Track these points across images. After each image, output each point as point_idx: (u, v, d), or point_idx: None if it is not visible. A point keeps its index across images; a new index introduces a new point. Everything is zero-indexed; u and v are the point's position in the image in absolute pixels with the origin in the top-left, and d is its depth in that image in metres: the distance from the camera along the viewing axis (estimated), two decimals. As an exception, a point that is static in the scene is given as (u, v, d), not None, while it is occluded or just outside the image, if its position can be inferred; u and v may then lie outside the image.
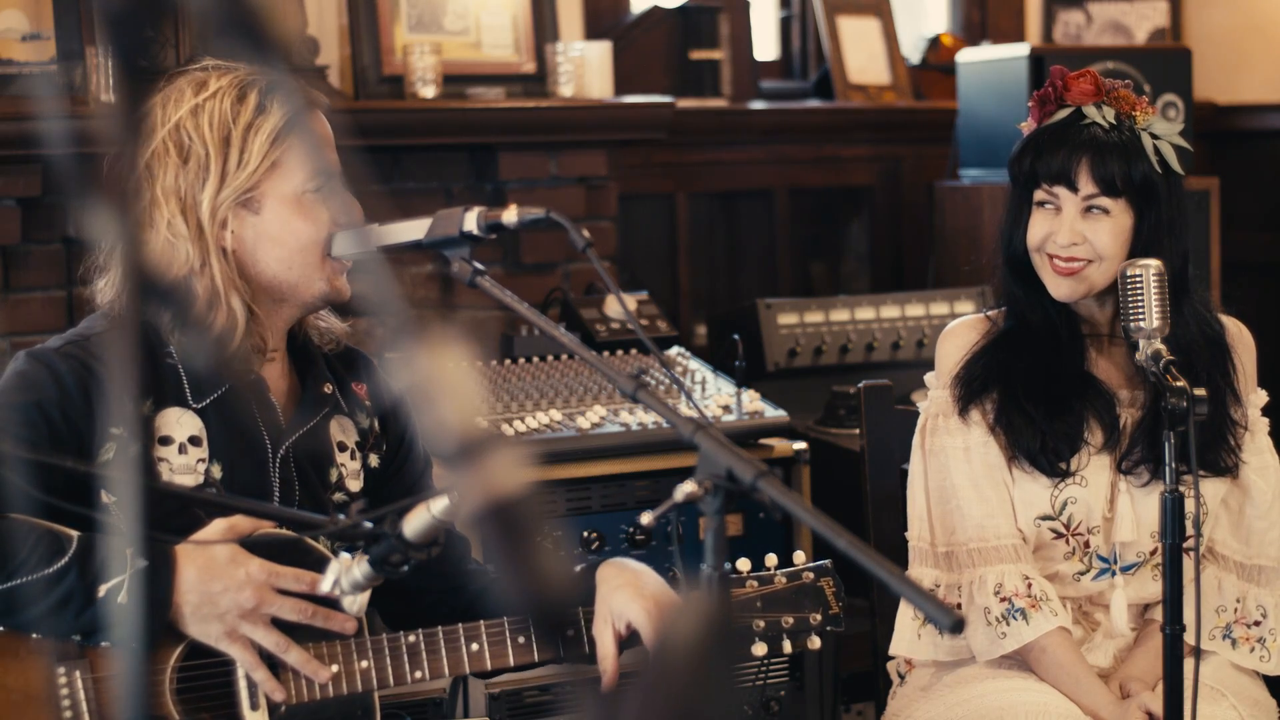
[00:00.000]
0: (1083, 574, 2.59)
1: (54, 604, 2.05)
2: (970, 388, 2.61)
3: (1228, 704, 2.52)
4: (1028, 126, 2.63)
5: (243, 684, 2.14)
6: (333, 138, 2.22)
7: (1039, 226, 2.57)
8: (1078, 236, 2.54)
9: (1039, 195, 2.58)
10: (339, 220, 2.23)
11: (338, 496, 2.35)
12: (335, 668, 2.16)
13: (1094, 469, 2.57)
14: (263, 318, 2.27)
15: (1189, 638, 2.37)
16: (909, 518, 2.66)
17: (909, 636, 2.64)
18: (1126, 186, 2.53)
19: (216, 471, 2.25)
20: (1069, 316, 2.61)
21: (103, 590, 2.05)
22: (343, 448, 2.37)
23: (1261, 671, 2.63)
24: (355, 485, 2.38)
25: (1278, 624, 2.62)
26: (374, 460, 2.42)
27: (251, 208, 2.22)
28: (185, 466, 2.23)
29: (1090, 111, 2.56)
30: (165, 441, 2.22)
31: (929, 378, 2.70)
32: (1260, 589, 2.63)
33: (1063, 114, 2.58)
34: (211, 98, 2.20)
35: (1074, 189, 2.54)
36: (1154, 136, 2.56)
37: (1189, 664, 2.34)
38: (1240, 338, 2.66)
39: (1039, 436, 2.55)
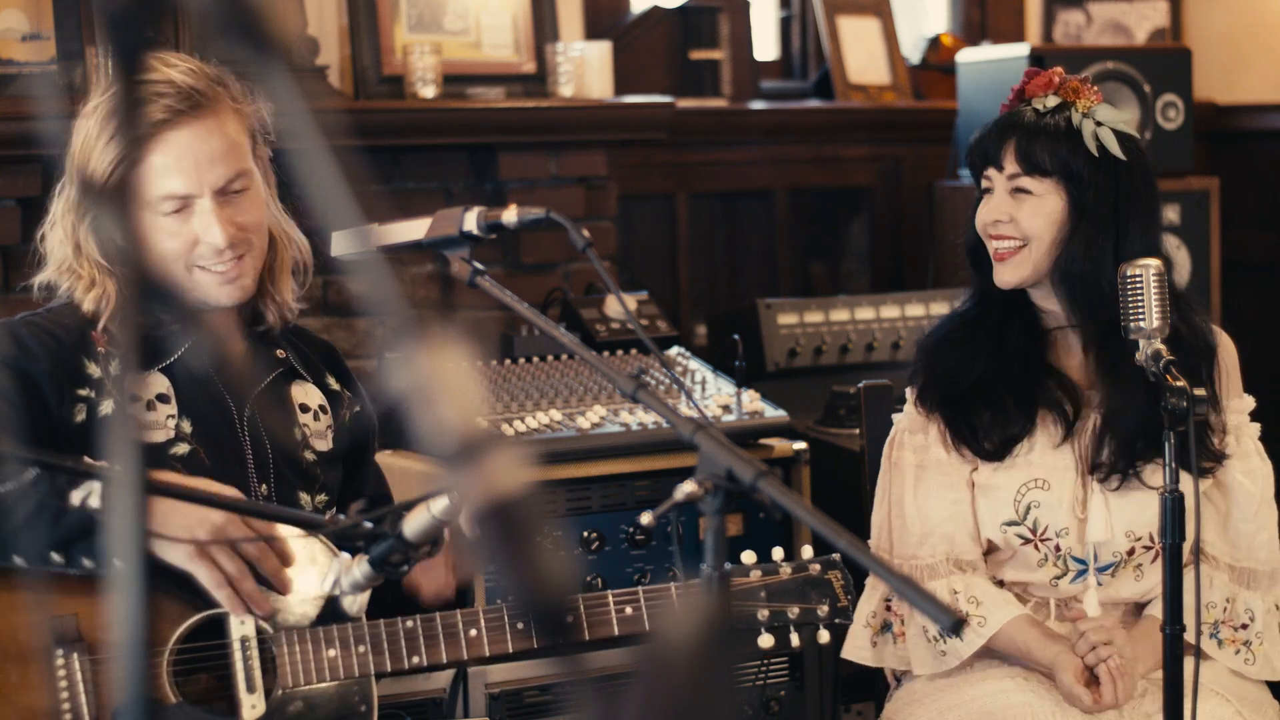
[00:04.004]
0: (1059, 578, 2.60)
1: (29, 514, 2.08)
2: (930, 373, 2.65)
3: (1231, 710, 2.53)
4: None
5: (239, 666, 2.15)
6: (216, 150, 2.27)
7: (981, 212, 2.62)
8: (1003, 214, 2.57)
9: (984, 182, 2.62)
10: (199, 238, 2.29)
11: (307, 454, 2.42)
12: (333, 652, 2.17)
13: (1056, 470, 2.58)
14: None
15: (1189, 637, 2.37)
16: (871, 526, 2.70)
17: (861, 643, 2.67)
18: (1054, 167, 2.55)
19: (186, 426, 2.31)
20: (1022, 308, 2.63)
21: (75, 498, 2.09)
22: (305, 409, 2.45)
23: (1245, 675, 2.63)
24: (323, 445, 2.44)
25: (1265, 628, 2.62)
26: (347, 418, 2.50)
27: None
28: (155, 423, 2.29)
29: (1035, 101, 2.60)
30: (134, 400, 2.25)
31: (908, 390, 2.72)
32: (1250, 592, 2.63)
33: (1024, 108, 2.62)
34: (98, 106, 2.29)
35: (1000, 168, 2.58)
36: (1096, 123, 2.56)
37: (1189, 664, 2.35)
38: (1224, 344, 2.67)
39: (965, 424, 2.60)
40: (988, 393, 2.59)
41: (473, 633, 2.22)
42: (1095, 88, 2.62)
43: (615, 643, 2.28)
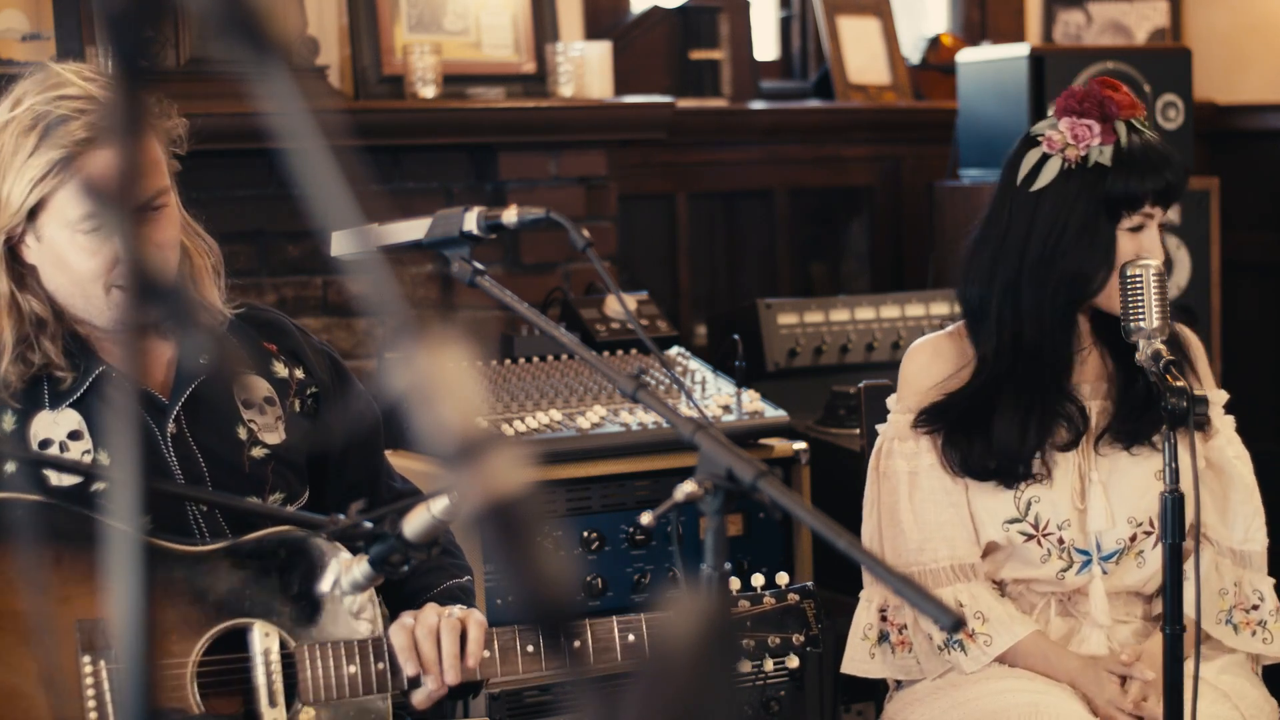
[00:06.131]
0: (1064, 571, 2.60)
1: None
2: (942, 419, 2.62)
3: (1229, 705, 2.53)
4: (1085, 143, 2.55)
5: (262, 680, 2.15)
6: (145, 164, 2.18)
7: (1129, 246, 2.55)
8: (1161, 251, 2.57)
9: (1133, 220, 2.54)
10: (124, 257, 2.21)
11: (256, 451, 2.35)
12: (353, 668, 2.17)
13: (1058, 466, 2.60)
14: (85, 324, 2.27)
15: (1190, 634, 2.39)
16: (862, 537, 2.68)
17: (860, 656, 2.67)
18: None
19: (104, 459, 2.23)
20: (1059, 342, 2.62)
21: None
22: (248, 404, 2.38)
23: (1266, 655, 2.66)
24: (273, 438, 2.37)
25: (1275, 605, 2.65)
26: (297, 405, 2.42)
27: (35, 233, 2.21)
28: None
29: (1140, 125, 2.57)
30: (45, 445, 2.24)
31: (891, 400, 2.71)
32: (1253, 573, 2.66)
33: (1122, 131, 2.55)
34: (10, 122, 2.19)
35: (1166, 207, 2.57)
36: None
37: (1189, 664, 2.36)
38: (1191, 341, 2.71)
39: (994, 460, 2.58)
40: (1005, 443, 2.59)
41: (485, 653, 2.23)
42: (1134, 99, 2.62)
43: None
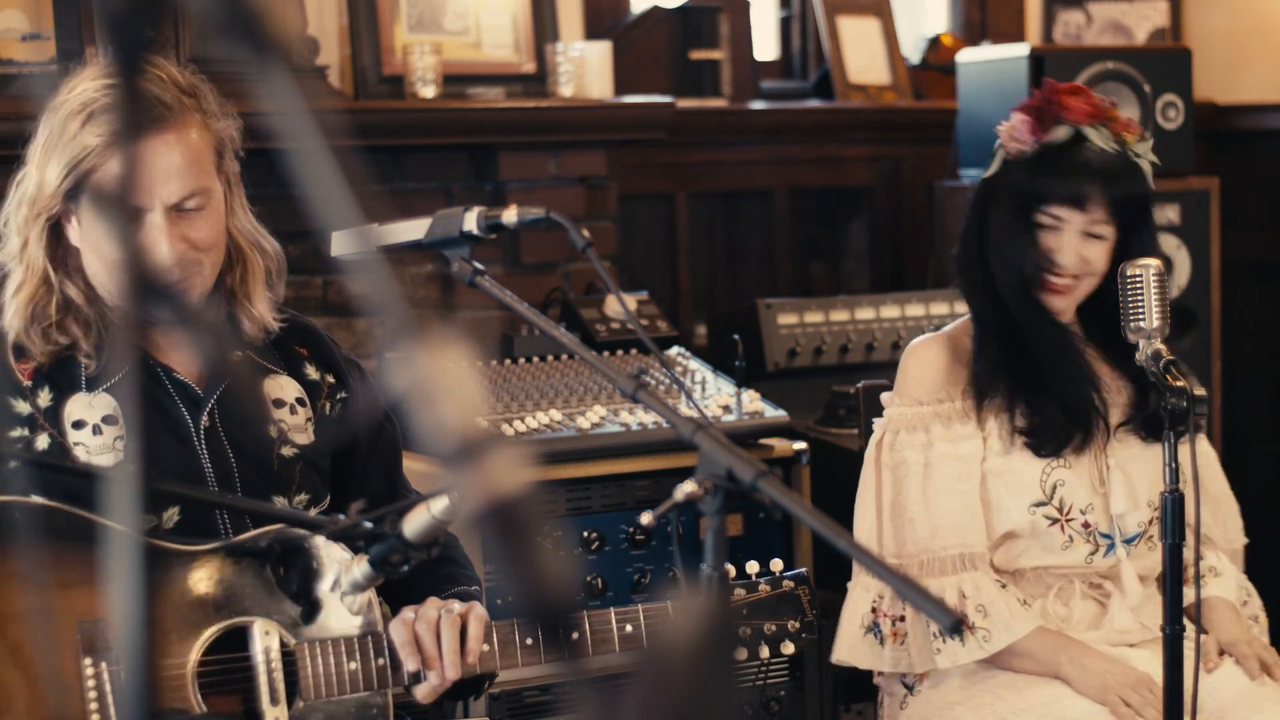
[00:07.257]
0: (1092, 554, 2.62)
1: None
2: (989, 393, 2.64)
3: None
4: (1019, 138, 2.65)
5: (263, 678, 2.15)
6: (173, 165, 2.19)
7: (1047, 243, 2.62)
8: (1083, 256, 2.60)
9: (1042, 217, 2.61)
10: (121, 258, 2.22)
11: (286, 450, 2.36)
12: (354, 665, 2.17)
13: (1078, 451, 2.63)
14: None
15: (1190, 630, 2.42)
16: (855, 532, 2.69)
17: (852, 644, 2.67)
18: (1127, 209, 2.60)
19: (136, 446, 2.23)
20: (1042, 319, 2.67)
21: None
22: (280, 404, 2.38)
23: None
24: (303, 439, 2.38)
25: (1259, 601, 2.74)
26: (327, 408, 2.43)
27: (78, 216, 2.24)
28: (102, 447, 2.24)
29: (1091, 134, 2.60)
30: (78, 425, 2.24)
31: (885, 397, 2.73)
32: (1239, 570, 2.75)
33: (1062, 133, 2.61)
34: (63, 104, 2.22)
35: (1084, 212, 2.58)
36: (1139, 157, 2.63)
37: (1189, 655, 2.39)
38: None
39: (1062, 417, 2.61)
40: (1058, 391, 2.63)
41: (485, 648, 2.23)
42: (1130, 119, 2.66)
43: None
